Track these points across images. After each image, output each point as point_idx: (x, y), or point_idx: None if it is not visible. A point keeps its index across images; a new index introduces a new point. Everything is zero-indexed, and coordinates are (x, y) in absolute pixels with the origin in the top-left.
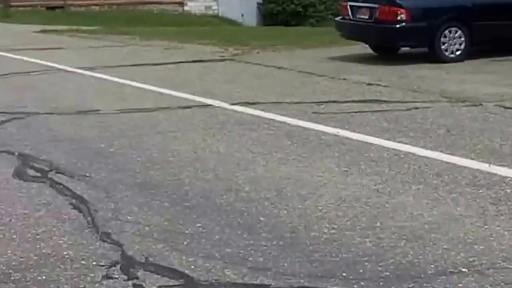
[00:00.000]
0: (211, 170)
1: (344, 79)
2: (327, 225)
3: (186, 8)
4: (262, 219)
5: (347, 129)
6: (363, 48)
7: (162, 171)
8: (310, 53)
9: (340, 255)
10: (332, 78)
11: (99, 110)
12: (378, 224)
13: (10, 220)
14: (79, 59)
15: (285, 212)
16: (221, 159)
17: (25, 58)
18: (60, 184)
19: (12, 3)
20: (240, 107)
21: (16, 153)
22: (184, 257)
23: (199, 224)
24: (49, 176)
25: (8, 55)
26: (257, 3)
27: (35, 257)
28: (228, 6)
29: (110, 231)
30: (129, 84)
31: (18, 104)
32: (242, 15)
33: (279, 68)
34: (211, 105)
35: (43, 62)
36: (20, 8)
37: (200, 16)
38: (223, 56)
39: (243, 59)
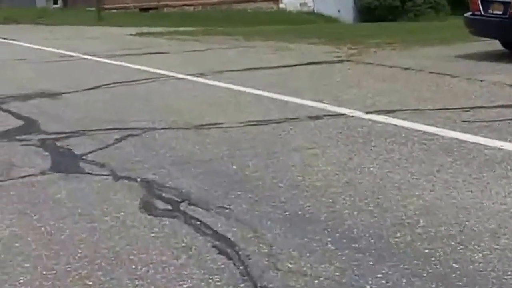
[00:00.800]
0: (370, 197)
1: (481, 80)
2: None
3: (281, 5)
4: (455, 265)
5: (510, 142)
6: (488, 45)
7: (312, 200)
8: (432, 51)
9: None
10: (468, 79)
11: (221, 124)
12: None
13: (148, 271)
14: (185, 64)
15: (480, 255)
16: (377, 183)
17: (127, 64)
18: (197, 219)
19: (104, 6)
20: (378, 116)
21: (139, 180)
22: None
23: (380, 275)
24: (182, 208)
25: (108, 61)
26: None
27: None
28: (324, 2)
29: (271, 286)
30: (245, 91)
31: (130, 117)
32: (339, 11)
33: (405, 69)
34: (344, 114)
35: (147, 69)
36: (113, 11)
37: (295, 13)
38: (339, 57)
39: (361, 60)
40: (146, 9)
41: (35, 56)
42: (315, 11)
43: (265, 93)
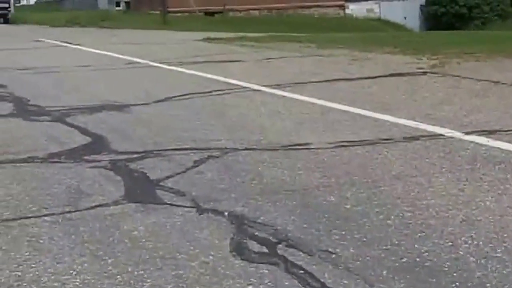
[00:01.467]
0: (494, 240)
1: None
2: None
3: (347, 11)
4: None
5: None
6: None
7: (429, 243)
8: None
9: None
10: None
11: (309, 144)
12: None
13: None
14: (261, 74)
15: None
16: (498, 221)
17: (198, 73)
18: (299, 267)
19: (168, 9)
20: (479, 137)
21: (226, 214)
22: None
23: None
24: (280, 252)
25: (178, 69)
26: (420, 5)
27: None
28: (390, 9)
29: None
30: (331, 107)
31: (209, 136)
32: (405, 18)
33: (495, 82)
34: (441, 134)
35: (221, 78)
36: (177, 14)
37: (362, 19)
38: (422, 68)
39: (446, 72)
40: (211, 13)
41: (100, 62)
42: (382, 18)
43: (352, 109)
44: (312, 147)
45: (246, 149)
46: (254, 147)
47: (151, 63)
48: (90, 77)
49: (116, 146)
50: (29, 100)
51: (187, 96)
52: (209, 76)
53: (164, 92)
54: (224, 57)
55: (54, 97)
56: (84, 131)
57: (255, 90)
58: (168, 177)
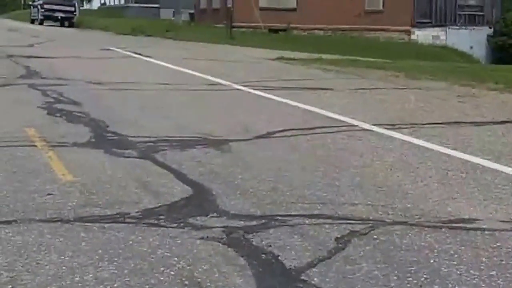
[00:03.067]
0: None
1: None
2: None
3: (412, 36)
4: None
5: None
6: None
7: None
8: None
9: None
10: None
11: (477, 221)
12: None
13: None
14: (362, 108)
15: None
16: None
17: (292, 103)
18: None
19: (233, 24)
20: None
21: None
22: None
23: None
24: None
25: (267, 95)
26: (487, 35)
27: None
28: (457, 37)
29: None
30: (474, 162)
31: (339, 197)
32: (471, 47)
33: None
34: None
35: (321, 112)
36: (242, 29)
37: (427, 45)
38: None
39: None
40: (275, 30)
41: (178, 80)
42: (448, 45)
43: (503, 168)
44: (483, 226)
45: (396, 222)
46: (406, 220)
47: (235, 86)
48: (172, 99)
49: (225, 204)
50: (107, 126)
51: (289, 133)
52: (305, 107)
53: (262, 125)
54: (310, 84)
55: (135, 123)
56: (180, 177)
57: (365, 129)
58: (309, 266)
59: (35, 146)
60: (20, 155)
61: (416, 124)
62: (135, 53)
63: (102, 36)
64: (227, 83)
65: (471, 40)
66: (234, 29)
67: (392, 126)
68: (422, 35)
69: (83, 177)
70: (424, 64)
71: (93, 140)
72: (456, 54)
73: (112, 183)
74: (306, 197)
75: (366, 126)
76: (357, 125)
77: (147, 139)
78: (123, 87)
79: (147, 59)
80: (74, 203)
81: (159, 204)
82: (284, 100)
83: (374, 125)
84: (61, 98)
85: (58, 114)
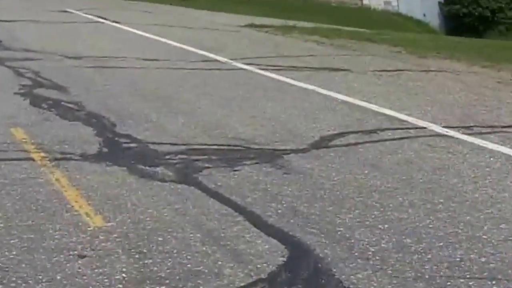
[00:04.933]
0: None
1: None
2: None
3: (365, 2)
4: None
5: None
6: None
7: None
8: None
9: None
10: None
11: None
12: None
13: None
14: (408, 100)
15: None
16: None
17: (320, 90)
18: None
19: None
20: None
21: None
22: None
23: None
24: None
25: (281, 78)
26: (439, 2)
27: None
28: (408, 4)
29: None
30: None
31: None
32: (424, 15)
33: None
34: None
35: (367, 106)
36: None
37: (380, 11)
38: None
39: None
40: None
41: (167, 55)
42: (401, 12)
43: None
44: None
45: None
46: None
47: (236, 63)
48: (175, 82)
49: (343, 270)
50: (114, 125)
51: (350, 139)
52: (342, 97)
53: (308, 126)
54: (319, 62)
55: (147, 120)
56: (257, 221)
57: (440, 135)
58: None
59: (32, 159)
60: (18, 177)
61: (493, 126)
62: (99, 17)
63: None
64: (224, 59)
65: (422, 7)
66: None
67: (470, 130)
68: (374, 1)
69: (117, 220)
70: (410, 36)
71: (105, 149)
72: (412, 22)
73: (165, 235)
74: (454, 264)
75: (437, 128)
76: (425, 127)
77: (175, 147)
78: (107, 64)
79: (116, 25)
80: (123, 275)
81: (252, 279)
82: (310, 87)
83: (445, 127)
84: (40, 79)
85: (45, 106)
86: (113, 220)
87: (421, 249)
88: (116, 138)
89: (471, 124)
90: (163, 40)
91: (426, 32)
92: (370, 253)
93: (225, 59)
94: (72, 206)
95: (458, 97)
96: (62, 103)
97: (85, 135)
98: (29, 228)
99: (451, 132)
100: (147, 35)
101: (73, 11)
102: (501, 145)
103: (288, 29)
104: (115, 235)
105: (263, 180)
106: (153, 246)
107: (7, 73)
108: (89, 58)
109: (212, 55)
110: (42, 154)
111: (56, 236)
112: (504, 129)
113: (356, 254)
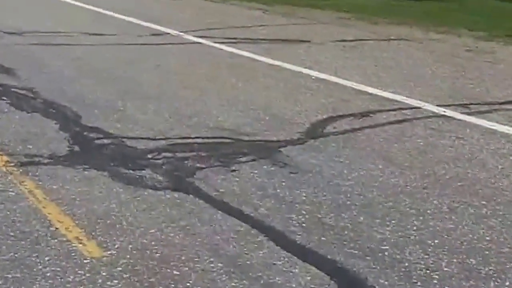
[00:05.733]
0: None
1: None
2: None
3: None
4: None
5: None
6: None
7: None
8: None
9: None
10: None
11: None
12: None
13: None
14: (388, 75)
15: None
16: None
17: (288, 66)
18: None
19: None
20: None
21: None
22: None
23: None
24: None
25: (240, 53)
26: None
27: None
28: None
29: None
30: None
31: None
32: None
33: None
34: None
35: (347, 83)
36: None
37: None
38: None
39: None
40: None
41: (112, 29)
42: None
43: None
44: None
45: None
46: None
47: (187, 36)
48: (131, 60)
49: None
50: (79, 116)
51: (346, 125)
52: (316, 74)
53: (293, 110)
54: (273, 33)
55: (114, 109)
56: (282, 241)
57: (438, 115)
58: None
59: None
60: None
61: (490, 103)
62: None
63: None
64: (175, 32)
65: None
66: None
67: (467, 108)
68: None
69: (117, 247)
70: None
71: (76, 148)
72: None
73: (180, 266)
74: None
75: (432, 108)
76: (419, 107)
77: (155, 143)
78: (52, 40)
79: (84, 5)
80: None
81: None
82: (275, 62)
83: (440, 106)
84: None
85: None
86: (111, 247)
87: (493, 273)
88: (85, 133)
89: (465, 102)
90: (105, 12)
91: None
92: (435, 281)
93: (176, 32)
94: (57, 229)
95: (435, 69)
96: (14, 89)
97: (48, 131)
98: (12, 264)
99: (448, 112)
100: (87, 6)
101: None
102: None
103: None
104: (120, 269)
105: (270, 183)
106: (172, 284)
107: None
108: (30, 33)
109: (161, 28)
110: (5, 158)
111: (48, 274)
112: (503, 106)
113: (419, 284)
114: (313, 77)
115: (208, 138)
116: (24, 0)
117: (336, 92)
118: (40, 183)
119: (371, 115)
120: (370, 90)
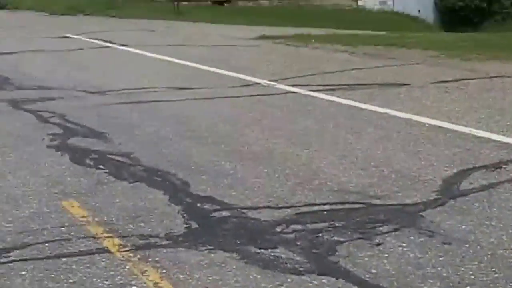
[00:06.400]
0: None
1: None
2: None
3: (359, 3)
4: None
5: None
6: None
7: None
8: None
9: None
10: None
11: None
12: None
13: None
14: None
15: None
16: None
17: (400, 114)
18: None
19: None
20: None
21: None
22: None
23: None
24: None
25: (344, 102)
26: None
27: None
28: (403, 1)
29: None
30: None
31: None
32: (419, 11)
33: None
34: None
35: (469, 131)
36: (184, 2)
37: (376, 12)
38: None
39: None
40: (220, 2)
41: (196, 81)
42: (396, 10)
43: None
44: None
45: None
46: None
47: (279, 86)
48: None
49: None
50: (187, 184)
51: (481, 179)
52: (430, 121)
53: (418, 165)
54: (368, 77)
55: (222, 170)
56: None
57: None
58: None
59: (107, 251)
60: (101, 285)
61: None
62: (103, 40)
63: (40, 18)
64: (265, 81)
65: (418, 3)
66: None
67: None
68: (369, 1)
69: None
70: (431, 36)
71: (194, 225)
72: (409, 19)
73: None
74: None
75: None
76: None
77: (280, 213)
78: (138, 98)
79: (125, 48)
80: None
81: None
82: (381, 109)
83: None
84: (70, 125)
85: (90, 163)
86: None
87: None
88: (198, 204)
89: None
90: (184, 62)
91: (424, 29)
92: None
93: (266, 81)
94: None
95: None
96: (109, 156)
97: (158, 204)
98: None
99: None
100: (165, 58)
101: (73, 36)
102: None
103: (304, 38)
104: None
105: (426, 260)
106: None
107: (29, 119)
108: (114, 92)
109: (248, 77)
110: (118, 241)
111: None
112: None
113: None
114: (426, 125)
115: (336, 204)
116: (99, 57)
117: (458, 141)
118: (164, 271)
119: (504, 166)
120: (494, 136)
